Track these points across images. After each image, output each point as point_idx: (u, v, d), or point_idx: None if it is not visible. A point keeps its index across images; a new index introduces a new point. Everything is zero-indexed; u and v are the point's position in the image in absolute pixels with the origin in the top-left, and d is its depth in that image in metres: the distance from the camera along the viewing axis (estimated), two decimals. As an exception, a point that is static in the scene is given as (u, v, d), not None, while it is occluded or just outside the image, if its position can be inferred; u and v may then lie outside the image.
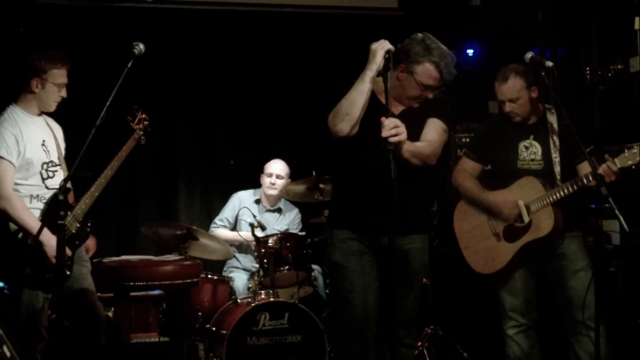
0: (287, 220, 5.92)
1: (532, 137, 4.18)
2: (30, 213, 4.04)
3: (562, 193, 3.99)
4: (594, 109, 5.82)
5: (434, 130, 3.64)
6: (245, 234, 5.53)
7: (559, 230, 4.03)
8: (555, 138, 4.10)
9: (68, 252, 4.04)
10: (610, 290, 4.64)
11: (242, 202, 5.90)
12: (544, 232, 4.03)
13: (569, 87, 5.76)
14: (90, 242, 4.34)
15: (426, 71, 3.56)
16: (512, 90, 4.12)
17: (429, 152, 3.59)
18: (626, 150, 3.81)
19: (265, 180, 5.86)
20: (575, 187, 3.96)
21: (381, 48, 3.42)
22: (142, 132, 4.51)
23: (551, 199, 4.02)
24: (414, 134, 3.51)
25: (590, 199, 4.16)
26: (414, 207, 3.63)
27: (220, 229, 5.82)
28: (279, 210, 5.95)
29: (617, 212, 3.40)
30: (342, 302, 3.66)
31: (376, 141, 3.31)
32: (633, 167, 3.81)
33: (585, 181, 3.91)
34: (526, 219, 4.08)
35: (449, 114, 3.72)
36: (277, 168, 5.87)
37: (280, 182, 5.83)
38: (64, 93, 4.23)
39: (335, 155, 3.72)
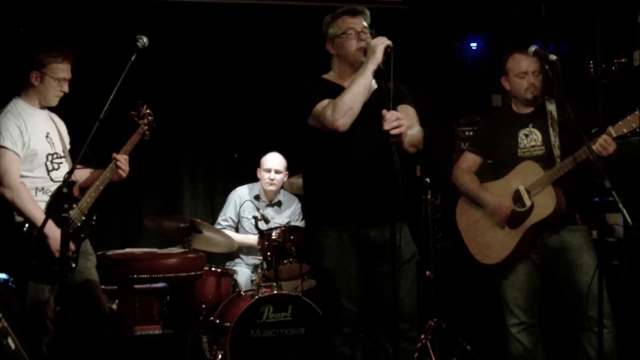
0: (288, 213, 5.90)
1: (531, 125, 4.19)
2: (36, 205, 4.05)
3: (560, 172, 3.99)
4: (598, 102, 5.80)
5: (413, 116, 3.73)
6: (253, 237, 5.54)
7: (562, 209, 4.01)
8: (555, 125, 4.10)
9: (72, 246, 4.05)
10: (614, 283, 4.64)
11: (241, 198, 5.88)
12: (547, 213, 4.02)
13: (572, 80, 5.76)
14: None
15: (342, 23, 3.72)
16: (537, 62, 4.11)
17: (421, 138, 3.69)
18: (628, 116, 3.81)
19: (264, 176, 5.82)
20: (573, 163, 3.94)
21: (381, 43, 3.47)
22: (146, 127, 4.51)
23: (551, 179, 4.01)
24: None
25: (593, 193, 4.16)
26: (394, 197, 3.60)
27: (226, 231, 5.77)
28: (279, 204, 5.93)
29: (620, 205, 3.41)
30: (330, 304, 3.69)
31: (360, 134, 3.48)
32: (629, 134, 3.81)
33: (582, 155, 3.89)
34: (528, 202, 4.08)
35: (411, 98, 3.82)
36: (274, 162, 5.83)
37: (279, 177, 5.80)
38: (65, 88, 4.21)
39: (314, 152, 3.70)
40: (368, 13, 3.75)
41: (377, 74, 3.51)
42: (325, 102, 3.55)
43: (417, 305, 3.72)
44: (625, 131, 3.81)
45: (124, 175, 4.31)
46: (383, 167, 3.38)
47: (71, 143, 4.40)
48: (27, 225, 4.01)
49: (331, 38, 3.75)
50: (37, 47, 4.20)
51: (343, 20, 3.72)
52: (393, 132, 3.32)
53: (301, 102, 3.65)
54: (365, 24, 3.71)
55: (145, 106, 4.55)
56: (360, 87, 3.48)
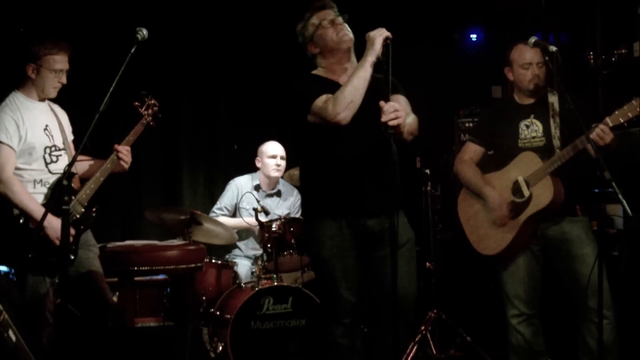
0: (288, 204, 5.90)
1: (532, 116, 4.18)
2: (30, 197, 4.03)
3: (559, 162, 3.99)
4: (598, 93, 5.80)
5: (406, 105, 3.72)
6: (248, 219, 5.54)
7: (559, 199, 4.01)
8: (556, 116, 4.10)
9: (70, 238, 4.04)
10: (614, 274, 4.64)
11: (240, 189, 5.87)
12: (545, 203, 4.02)
13: (572, 71, 5.75)
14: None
15: (315, 19, 3.76)
16: (540, 53, 4.10)
17: (417, 126, 3.70)
18: (625, 105, 3.81)
19: (270, 162, 5.80)
20: (572, 151, 3.93)
21: (379, 35, 3.47)
22: (150, 118, 4.49)
23: (549, 169, 4.01)
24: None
25: (593, 184, 4.16)
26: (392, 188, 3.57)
27: (221, 218, 5.76)
28: (279, 194, 5.93)
29: (620, 196, 3.41)
30: (329, 294, 3.69)
31: (358, 126, 3.48)
32: (625, 124, 3.80)
33: (581, 144, 3.88)
34: (526, 193, 4.07)
35: (402, 87, 3.83)
36: (279, 149, 5.84)
37: (284, 163, 5.82)
38: (63, 79, 4.19)
39: (312, 146, 3.70)
40: (334, 5, 3.79)
41: (377, 66, 3.51)
42: (324, 97, 3.55)
43: (416, 290, 3.71)
44: (622, 120, 3.80)
45: (126, 166, 4.30)
46: (381, 159, 3.40)
47: (73, 134, 4.39)
48: (22, 218, 4.00)
49: (309, 39, 3.78)
50: (34, 39, 4.18)
51: (314, 18, 3.77)
52: (391, 123, 3.33)
53: (299, 99, 3.64)
54: (334, 14, 3.75)
55: (150, 97, 4.53)
56: (361, 79, 3.48)
